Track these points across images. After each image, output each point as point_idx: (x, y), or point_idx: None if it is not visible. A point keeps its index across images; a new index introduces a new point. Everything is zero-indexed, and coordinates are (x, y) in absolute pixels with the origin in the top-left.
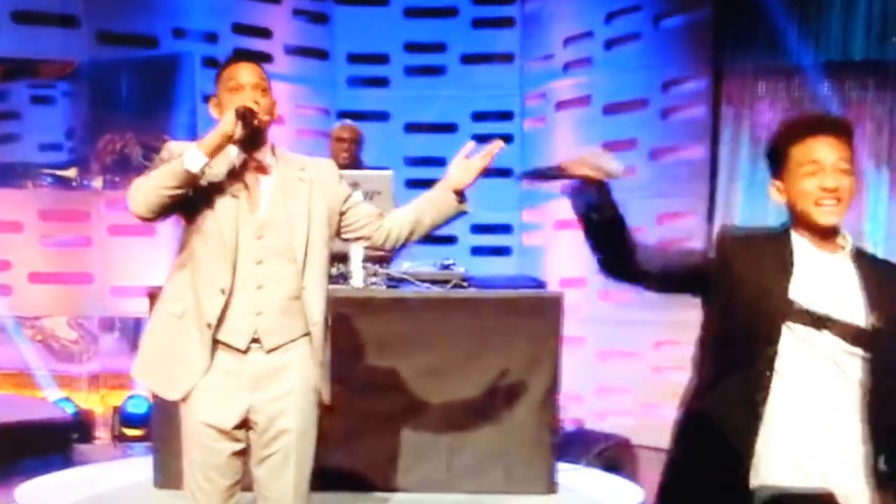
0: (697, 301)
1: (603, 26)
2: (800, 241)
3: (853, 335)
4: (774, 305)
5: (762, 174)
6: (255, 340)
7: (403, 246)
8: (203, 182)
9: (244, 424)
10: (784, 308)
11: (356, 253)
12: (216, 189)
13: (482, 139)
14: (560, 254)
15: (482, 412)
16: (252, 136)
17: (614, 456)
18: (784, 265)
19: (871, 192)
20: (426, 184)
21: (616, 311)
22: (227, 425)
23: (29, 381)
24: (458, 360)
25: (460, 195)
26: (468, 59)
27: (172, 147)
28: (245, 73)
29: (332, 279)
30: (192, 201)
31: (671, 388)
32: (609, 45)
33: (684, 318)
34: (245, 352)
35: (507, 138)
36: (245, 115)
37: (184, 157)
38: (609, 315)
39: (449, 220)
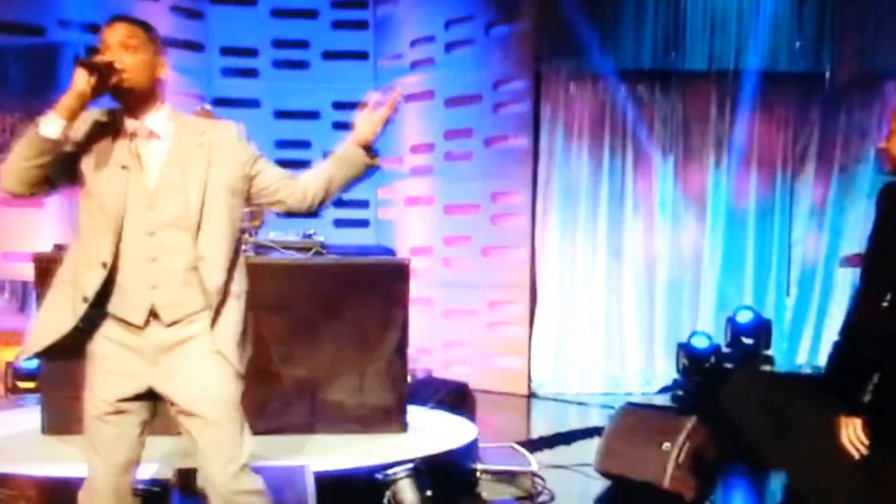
0: (525, 267)
1: (443, 32)
2: None
3: None
4: None
5: (575, 159)
6: (153, 315)
7: (320, 208)
8: (90, 152)
9: (147, 395)
10: None
11: None
12: (103, 159)
13: (343, 126)
14: (410, 226)
15: (342, 364)
16: (125, 97)
17: (455, 399)
18: None
19: (660, 180)
20: (295, 164)
21: (457, 276)
22: (129, 394)
23: None
24: (319, 318)
25: (369, 151)
26: (328, 56)
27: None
28: (113, 32)
29: None
30: (79, 172)
31: (503, 341)
32: (448, 48)
33: (514, 280)
34: (143, 327)
35: None
36: (92, 69)
37: (39, 123)
38: (451, 279)
39: (361, 177)
